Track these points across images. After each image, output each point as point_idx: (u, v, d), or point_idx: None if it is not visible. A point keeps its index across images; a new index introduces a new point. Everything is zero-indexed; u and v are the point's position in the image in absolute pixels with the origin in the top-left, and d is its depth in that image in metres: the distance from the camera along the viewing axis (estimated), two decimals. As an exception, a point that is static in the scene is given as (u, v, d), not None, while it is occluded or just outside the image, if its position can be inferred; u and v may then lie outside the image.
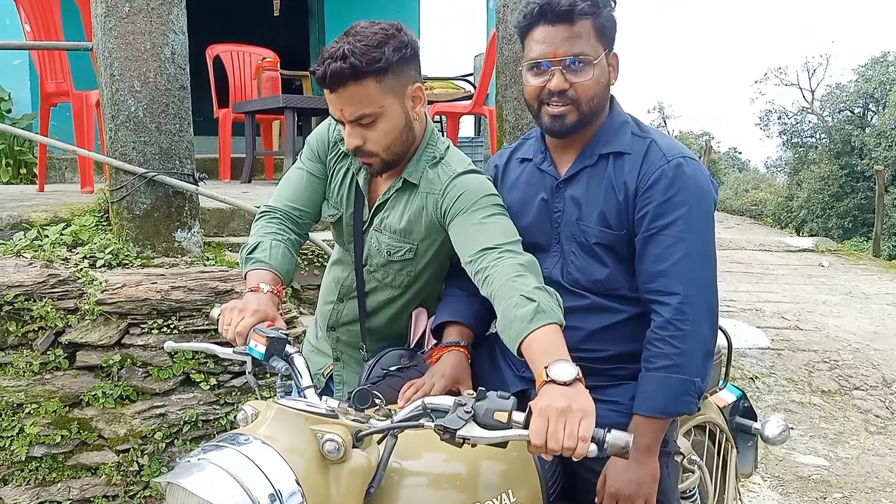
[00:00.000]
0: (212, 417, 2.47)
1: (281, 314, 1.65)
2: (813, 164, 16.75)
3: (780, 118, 18.90)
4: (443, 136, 1.76)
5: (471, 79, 6.18)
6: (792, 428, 3.91)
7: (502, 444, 1.17)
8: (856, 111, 16.89)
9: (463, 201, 1.58)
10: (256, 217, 1.77)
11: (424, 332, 1.77)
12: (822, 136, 17.60)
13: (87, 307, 2.37)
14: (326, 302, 1.87)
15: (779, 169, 21.45)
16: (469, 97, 5.24)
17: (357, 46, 1.47)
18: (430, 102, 5.48)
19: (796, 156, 18.36)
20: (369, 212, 1.72)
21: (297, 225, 1.77)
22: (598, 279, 1.56)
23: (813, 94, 18.67)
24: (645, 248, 1.51)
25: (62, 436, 2.34)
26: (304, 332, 2.47)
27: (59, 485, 2.36)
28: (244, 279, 1.62)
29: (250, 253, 1.66)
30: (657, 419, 1.49)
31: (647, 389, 1.48)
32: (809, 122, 18.38)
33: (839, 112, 17.11)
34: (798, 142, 18.36)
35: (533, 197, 1.64)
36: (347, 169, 1.74)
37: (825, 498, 3.38)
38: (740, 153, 28.00)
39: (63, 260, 2.57)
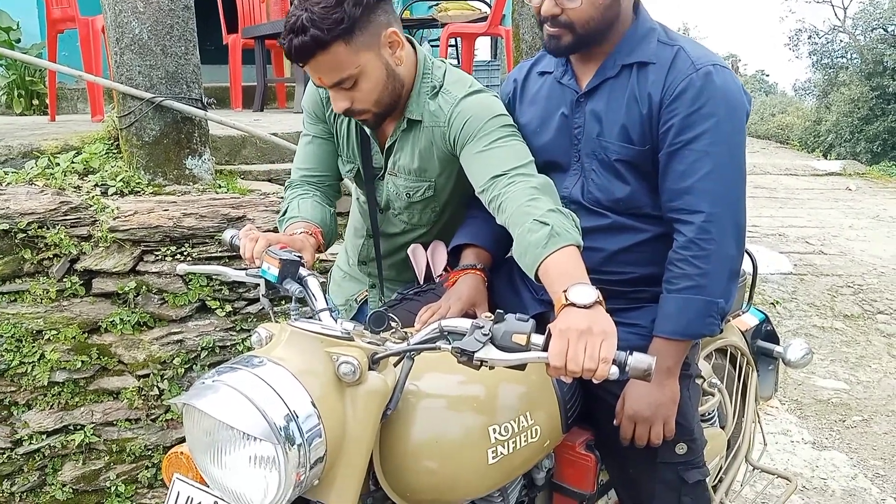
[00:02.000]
0: (228, 343, 2.49)
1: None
2: (843, 86, 16.18)
3: (809, 38, 18.17)
4: (440, 60, 1.66)
5: (487, -1, 5.95)
6: (813, 352, 3.90)
7: (520, 367, 1.14)
8: (889, 29, 16.17)
9: (469, 128, 1.51)
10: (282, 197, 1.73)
11: (428, 264, 1.74)
12: (854, 56, 16.93)
13: (100, 234, 2.36)
14: (357, 236, 1.85)
15: (807, 92, 20.79)
16: (485, 18, 5.04)
17: (315, 13, 1.36)
18: (443, 25, 5.29)
19: (826, 77, 17.73)
20: (381, 157, 1.66)
21: (320, 189, 1.73)
22: (619, 198, 1.50)
23: (845, 12, 17.86)
24: (669, 163, 1.43)
25: (83, 361, 2.37)
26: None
27: (81, 409, 2.40)
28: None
29: (281, 217, 1.64)
30: (678, 341, 1.45)
31: (669, 311, 1.44)
32: (841, 41, 17.65)
33: (872, 30, 16.39)
34: (828, 62, 17.70)
35: (553, 112, 1.56)
36: (350, 120, 1.67)
37: (844, 420, 3.38)
38: (768, 76, 27.17)
39: (75, 188, 2.55)
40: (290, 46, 1.41)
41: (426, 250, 1.74)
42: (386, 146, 1.64)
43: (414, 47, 1.60)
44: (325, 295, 1.37)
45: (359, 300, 1.88)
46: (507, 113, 1.55)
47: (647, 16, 1.51)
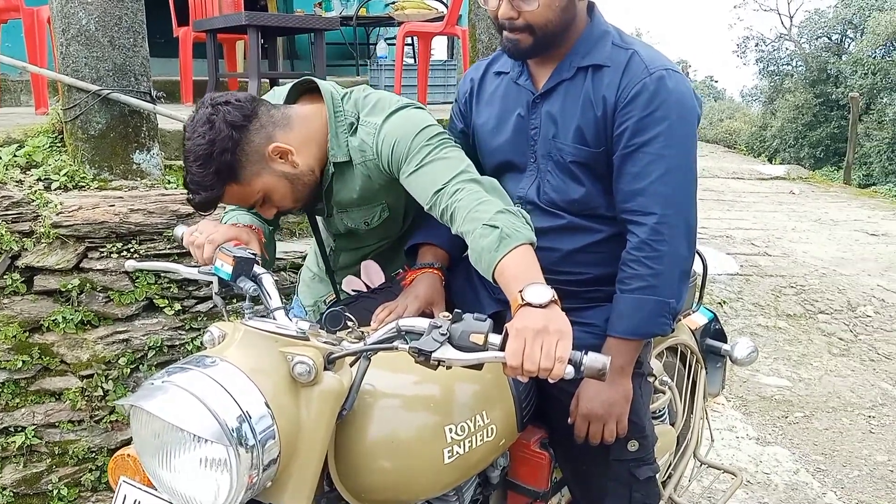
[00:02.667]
0: (177, 343, 2.43)
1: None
2: (788, 93, 16.72)
3: (757, 45, 18.73)
4: (351, 90, 1.62)
5: (444, -2, 5.95)
6: (758, 350, 4.01)
7: (478, 367, 1.14)
8: (833, 38, 16.78)
9: (398, 152, 1.49)
10: None
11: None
12: (799, 63, 17.51)
13: (42, 230, 2.28)
14: (322, 246, 1.83)
15: (754, 98, 21.40)
16: (441, 18, 5.04)
17: (195, 173, 1.40)
18: (399, 23, 5.27)
19: (772, 84, 18.30)
20: (322, 202, 1.64)
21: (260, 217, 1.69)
22: (574, 199, 1.51)
23: (791, 21, 18.48)
24: (623, 165, 1.45)
25: (23, 361, 2.28)
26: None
27: (22, 410, 2.31)
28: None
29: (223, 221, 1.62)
30: (631, 341, 1.47)
31: (622, 311, 1.46)
32: (786, 49, 18.25)
33: (817, 39, 16.99)
34: (774, 70, 18.27)
35: (510, 113, 1.57)
36: None
37: (787, 417, 3.49)
38: (716, 81, 27.88)
39: (16, 182, 2.45)
40: (193, 205, 1.47)
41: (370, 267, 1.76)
42: (323, 191, 1.62)
43: (318, 88, 1.56)
44: (279, 293, 1.35)
45: (328, 301, 1.87)
46: (432, 122, 1.53)
47: (602, 19, 1.53)
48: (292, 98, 1.61)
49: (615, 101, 1.43)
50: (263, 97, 1.55)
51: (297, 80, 1.61)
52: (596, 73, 1.46)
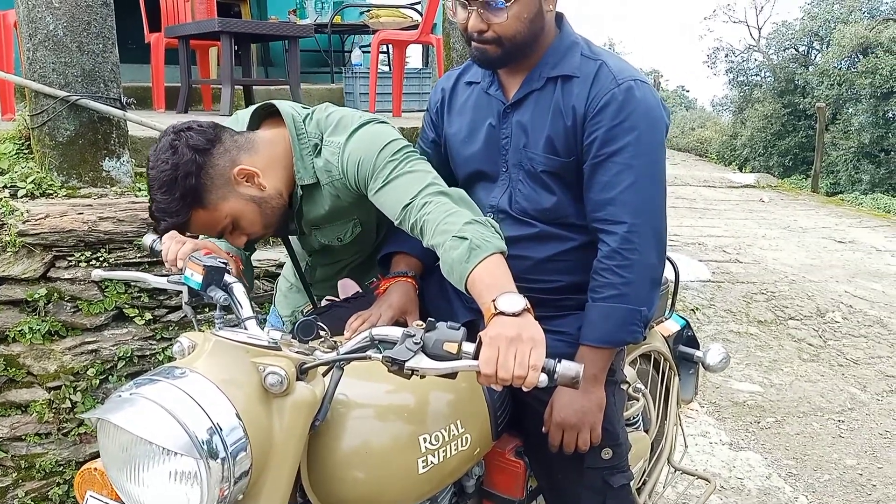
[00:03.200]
0: (148, 353, 2.39)
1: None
2: (757, 103, 17.02)
3: (727, 56, 19.04)
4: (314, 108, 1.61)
5: (418, 7, 5.96)
6: (730, 357, 4.06)
7: (451, 375, 1.13)
8: (800, 49, 17.14)
9: (364, 170, 1.48)
10: None
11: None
12: (767, 74, 17.85)
13: (8, 238, 2.23)
14: (297, 261, 1.82)
15: (724, 107, 21.74)
16: (416, 26, 5.05)
17: (160, 201, 1.39)
18: (374, 31, 5.26)
19: (741, 94, 18.61)
20: (294, 222, 1.63)
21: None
22: (545, 207, 1.52)
23: (759, 32, 18.83)
24: (593, 175, 1.46)
25: (-12, 373, 2.23)
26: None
27: (-13, 424, 2.26)
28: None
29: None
30: (603, 349, 1.48)
31: (593, 319, 1.47)
32: (755, 60, 18.58)
33: (784, 50, 17.34)
34: (744, 80, 18.59)
35: (481, 122, 1.57)
36: None
37: (759, 422, 3.53)
38: (688, 91, 28.29)
39: (-19, 189, 2.40)
40: (159, 232, 1.45)
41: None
42: (294, 213, 1.61)
43: (278, 112, 1.55)
44: (250, 302, 1.33)
45: (305, 312, 1.85)
46: (396, 136, 1.52)
47: (570, 30, 1.54)
48: (254, 123, 1.60)
49: (584, 112, 1.44)
50: (225, 124, 1.53)
51: (257, 105, 1.60)
52: (565, 83, 1.47)
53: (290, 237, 1.76)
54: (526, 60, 1.50)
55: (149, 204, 1.43)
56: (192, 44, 4.83)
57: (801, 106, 15.88)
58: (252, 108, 1.61)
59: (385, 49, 5.93)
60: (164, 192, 1.38)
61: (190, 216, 1.40)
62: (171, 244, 1.42)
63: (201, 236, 1.65)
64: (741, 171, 13.61)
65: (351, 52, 6.07)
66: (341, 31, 6.39)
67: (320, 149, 1.53)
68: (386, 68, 5.97)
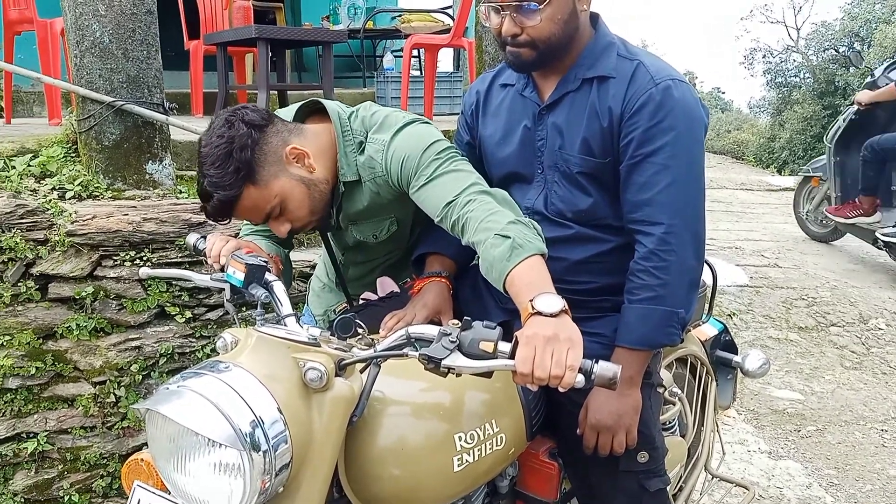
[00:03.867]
0: (188, 350, 2.44)
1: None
2: (796, 105, 16.66)
3: (764, 57, 18.67)
4: (357, 107, 1.62)
5: (450, 11, 6.00)
6: (770, 362, 3.99)
7: (487, 375, 1.14)
8: (840, 50, 16.75)
9: (407, 168, 1.50)
10: None
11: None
12: (807, 75, 17.47)
13: (57, 238, 2.30)
14: (334, 258, 1.84)
15: (762, 109, 21.33)
16: (448, 30, 5.07)
17: (212, 175, 1.39)
18: (406, 35, 5.30)
19: (780, 96, 18.23)
20: (333, 215, 1.65)
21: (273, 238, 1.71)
22: (581, 209, 1.52)
23: (798, 33, 18.43)
24: (629, 176, 1.45)
25: (37, 367, 2.30)
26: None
27: (35, 416, 2.33)
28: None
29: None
30: (640, 351, 1.47)
31: (630, 321, 1.46)
32: (794, 61, 18.19)
33: (824, 51, 16.95)
34: (782, 81, 18.22)
35: (516, 125, 1.58)
36: None
37: (799, 430, 3.46)
38: (723, 93, 27.76)
39: (31, 191, 2.48)
40: (208, 212, 1.45)
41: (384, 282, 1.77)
42: (334, 208, 1.63)
43: (324, 109, 1.57)
44: (290, 300, 1.36)
45: (338, 311, 1.88)
46: (440, 137, 1.54)
47: (606, 30, 1.53)
48: (299, 119, 1.62)
49: (621, 112, 1.44)
50: None
51: (302, 102, 1.63)
52: (601, 84, 1.47)
53: (327, 234, 1.79)
54: (561, 62, 1.50)
55: (198, 184, 1.44)
56: (229, 50, 4.92)
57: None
58: (296, 105, 1.64)
59: (417, 53, 5.96)
60: (217, 166, 1.38)
61: (241, 191, 1.41)
62: (216, 241, 1.45)
63: (242, 231, 1.68)
64: (780, 174, 13.34)
65: (383, 56, 6.12)
66: (373, 35, 6.45)
67: (364, 146, 1.55)
68: (417, 73, 6.01)
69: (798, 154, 15.56)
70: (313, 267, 2.25)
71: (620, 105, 1.44)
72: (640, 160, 1.43)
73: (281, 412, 1.05)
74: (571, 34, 1.46)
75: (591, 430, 1.48)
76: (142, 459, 1.20)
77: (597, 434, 1.48)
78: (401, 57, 4.84)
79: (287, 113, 1.65)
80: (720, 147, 17.63)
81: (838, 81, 15.91)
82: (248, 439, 1.00)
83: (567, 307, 1.19)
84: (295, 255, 2.68)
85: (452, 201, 1.43)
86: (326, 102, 1.58)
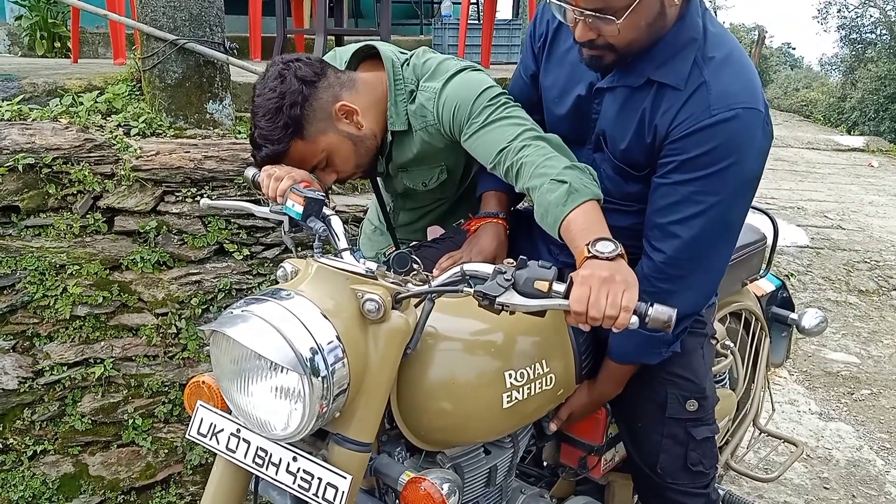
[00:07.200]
0: (245, 287, 2.51)
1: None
2: (870, 63, 15.80)
3: (839, 11, 17.70)
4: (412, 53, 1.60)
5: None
6: (827, 321, 3.90)
7: (540, 314, 1.15)
8: (924, 4, 15.73)
9: (459, 115, 1.48)
10: None
11: None
12: (884, 32, 16.51)
13: (122, 173, 2.37)
14: (383, 203, 1.86)
15: (833, 67, 20.31)
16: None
17: (263, 127, 1.43)
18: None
19: (853, 53, 17.31)
20: (383, 163, 1.65)
21: None
22: (629, 192, 1.46)
23: (878, -15, 17.36)
24: (655, 191, 1.38)
25: (104, 297, 2.40)
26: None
27: (102, 343, 2.44)
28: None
29: None
30: (624, 365, 1.51)
31: (616, 335, 1.46)
32: (870, 16, 17.18)
33: (905, 5, 15.95)
34: (857, 37, 17.27)
35: (571, 88, 1.48)
36: None
37: (852, 394, 3.40)
38: (794, 49, 26.53)
39: (98, 127, 2.55)
40: (258, 160, 1.48)
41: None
42: (384, 157, 1.63)
43: (379, 54, 1.56)
44: (347, 234, 1.38)
45: (388, 254, 1.90)
46: (492, 83, 1.49)
47: (695, 20, 1.34)
48: (353, 64, 1.62)
49: (666, 134, 1.34)
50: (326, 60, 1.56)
51: (358, 46, 1.62)
52: (660, 91, 1.35)
53: (377, 179, 1.80)
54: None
55: (250, 131, 1.48)
56: (287, -6, 4.91)
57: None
58: (352, 46, 1.63)
59: (475, 0, 5.84)
60: (268, 119, 1.42)
61: (289, 146, 1.45)
62: (274, 174, 1.47)
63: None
64: (849, 135, 12.76)
65: (441, 3, 6.02)
66: (433, -19, 6.35)
67: (415, 95, 1.55)
68: (475, 20, 5.90)
69: (869, 115, 14.82)
70: (365, 211, 2.27)
71: (668, 126, 1.33)
72: (668, 183, 1.35)
73: (339, 340, 1.08)
74: (658, 34, 1.31)
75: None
76: (203, 381, 1.25)
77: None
78: (459, 3, 4.74)
79: (344, 53, 1.65)
80: (787, 105, 16.94)
81: (919, 37, 14.99)
82: (308, 364, 1.04)
83: (623, 251, 1.18)
84: (348, 200, 2.72)
85: (506, 147, 1.42)
86: (381, 48, 1.57)
